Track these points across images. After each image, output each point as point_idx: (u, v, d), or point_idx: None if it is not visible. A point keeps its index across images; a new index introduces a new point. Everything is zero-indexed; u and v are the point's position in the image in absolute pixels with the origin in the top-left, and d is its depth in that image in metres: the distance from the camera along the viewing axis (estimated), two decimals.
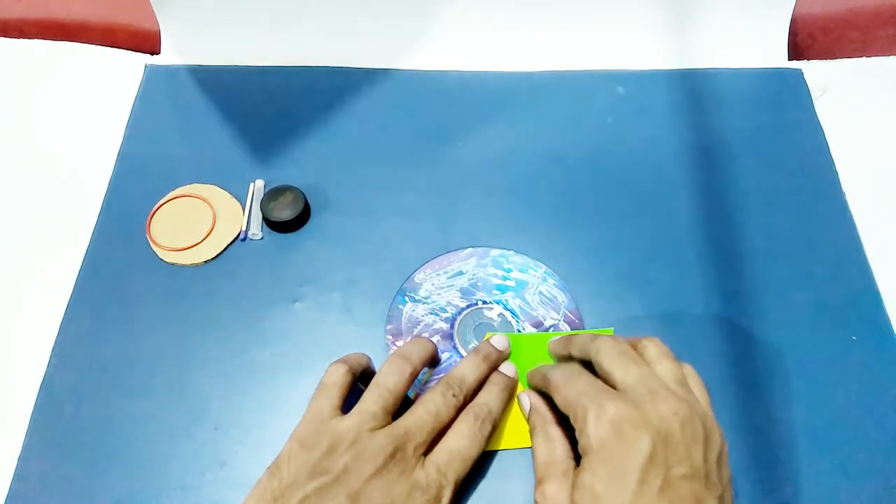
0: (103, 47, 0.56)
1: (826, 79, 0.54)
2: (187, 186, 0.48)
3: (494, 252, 0.46)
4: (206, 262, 0.45)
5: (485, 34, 0.55)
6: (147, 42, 0.56)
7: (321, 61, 0.54)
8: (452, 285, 0.44)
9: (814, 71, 0.55)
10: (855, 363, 0.42)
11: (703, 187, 0.48)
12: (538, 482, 0.33)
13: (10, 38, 0.56)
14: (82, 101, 0.53)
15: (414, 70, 0.54)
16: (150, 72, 0.54)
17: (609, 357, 0.33)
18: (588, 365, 0.35)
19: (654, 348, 0.34)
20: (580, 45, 0.55)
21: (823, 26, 0.58)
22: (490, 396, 0.37)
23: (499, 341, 0.39)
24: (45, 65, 0.55)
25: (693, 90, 0.54)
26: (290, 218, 0.45)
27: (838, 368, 0.41)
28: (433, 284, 0.44)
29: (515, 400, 0.39)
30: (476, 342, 0.42)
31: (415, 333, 0.42)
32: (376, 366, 0.39)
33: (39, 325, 0.42)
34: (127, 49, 0.56)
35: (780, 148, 0.51)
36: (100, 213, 0.47)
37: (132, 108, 0.52)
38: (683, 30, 0.55)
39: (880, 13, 0.58)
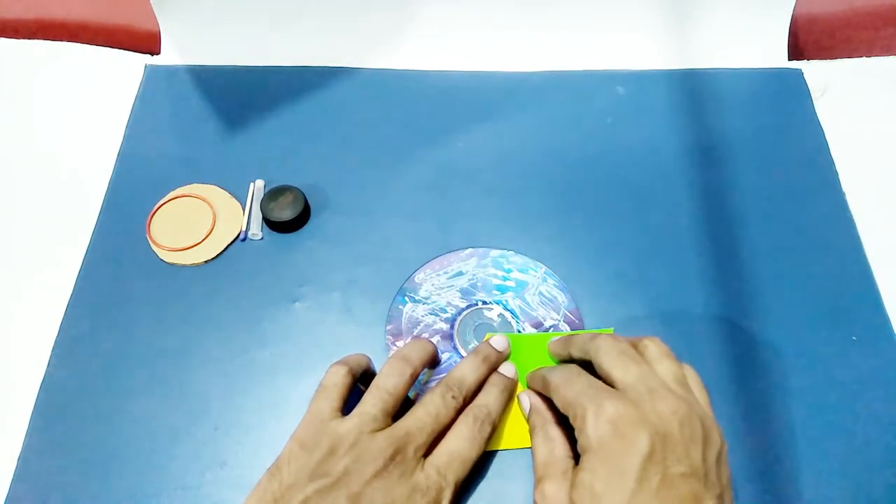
0: (103, 47, 0.56)
1: (826, 79, 0.54)
2: (187, 186, 0.48)
3: (494, 252, 0.45)
4: (206, 262, 0.45)
5: (485, 34, 0.55)
6: (147, 42, 0.56)
7: (321, 61, 0.54)
8: (452, 285, 0.44)
9: (814, 71, 0.55)
10: (855, 363, 0.42)
11: (703, 187, 0.48)
12: (537, 481, 0.33)
13: (10, 38, 0.56)
14: (82, 101, 0.53)
15: (414, 70, 0.54)
16: (150, 72, 0.54)
17: (608, 356, 0.33)
18: (588, 365, 0.35)
19: (654, 348, 0.34)
20: (580, 45, 0.55)
21: (823, 26, 0.58)
22: (489, 398, 0.37)
23: (498, 342, 0.39)
24: (45, 65, 0.55)
25: (693, 90, 0.54)
26: (290, 218, 0.45)
27: (838, 368, 0.41)
28: (433, 285, 0.44)
29: (515, 400, 0.39)
30: (476, 342, 0.42)
31: (415, 334, 0.42)
32: (376, 366, 0.39)
33: (39, 325, 0.42)
34: (127, 49, 0.56)
35: (780, 148, 0.51)
36: (100, 213, 0.47)
37: (132, 109, 0.52)
38: (683, 30, 0.55)
39: (880, 13, 0.58)
